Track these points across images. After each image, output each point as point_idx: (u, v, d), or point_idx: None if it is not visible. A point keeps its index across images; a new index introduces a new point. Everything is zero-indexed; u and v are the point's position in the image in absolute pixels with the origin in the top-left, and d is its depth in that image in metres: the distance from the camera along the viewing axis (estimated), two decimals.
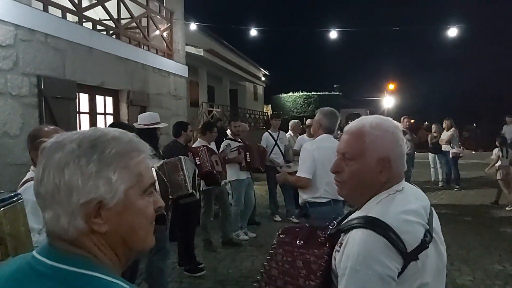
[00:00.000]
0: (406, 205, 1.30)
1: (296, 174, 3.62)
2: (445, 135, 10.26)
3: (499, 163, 8.20)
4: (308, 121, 7.75)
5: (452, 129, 10.22)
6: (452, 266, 4.97)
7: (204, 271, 4.96)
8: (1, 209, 1.56)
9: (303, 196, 3.57)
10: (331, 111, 3.67)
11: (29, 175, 2.26)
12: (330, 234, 1.41)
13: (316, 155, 3.47)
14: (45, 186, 0.79)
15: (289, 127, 8.11)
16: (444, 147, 10.30)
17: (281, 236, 1.61)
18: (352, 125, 1.45)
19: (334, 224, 1.45)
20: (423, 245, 1.23)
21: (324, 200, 3.46)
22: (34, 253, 0.83)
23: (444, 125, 10.41)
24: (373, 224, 1.22)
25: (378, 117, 1.44)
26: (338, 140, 1.57)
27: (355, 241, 1.23)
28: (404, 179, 1.42)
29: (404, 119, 9.87)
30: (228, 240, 5.97)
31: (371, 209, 1.30)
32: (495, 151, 8.40)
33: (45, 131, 2.28)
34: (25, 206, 2.09)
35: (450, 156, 10.16)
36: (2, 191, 1.67)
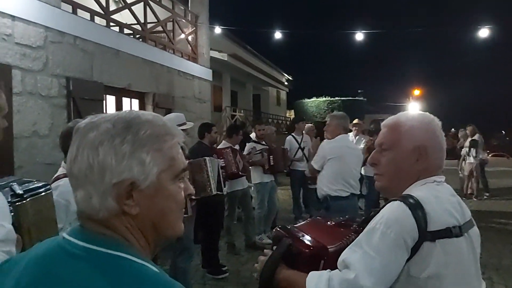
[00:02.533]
0: (443, 195, 1.31)
1: (311, 162, 4.32)
2: (467, 142, 10.02)
3: None
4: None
5: (477, 135, 9.95)
6: (483, 275, 4.79)
7: (227, 273, 4.93)
8: (28, 199, 1.57)
9: (324, 189, 3.97)
10: (345, 114, 4.27)
11: (60, 170, 2.27)
12: (364, 220, 1.40)
13: (328, 153, 4.00)
14: (79, 165, 0.77)
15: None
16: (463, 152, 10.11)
17: (309, 219, 1.71)
18: (389, 118, 1.48)
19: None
20: (446, 233, 1.22)
21: (344, 194, 3.92)
22: (64, 234, 0.81)
23: (468, 131, 10.14)
24: (404, 197, 1.26)
25: (414, 111, 1.48)
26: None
27: (384, 209, 1.28)
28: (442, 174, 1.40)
29: None
30: (251, 243, 5.92)
31: (408, 191, 1.32)
32: None
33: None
34: None
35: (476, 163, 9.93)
36: (34, 180, 1.68)
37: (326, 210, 3.95)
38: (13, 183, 1.59)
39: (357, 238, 1.28)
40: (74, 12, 5.94)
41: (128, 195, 0.78)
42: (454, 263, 1.23)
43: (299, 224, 1.64)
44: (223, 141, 5.80)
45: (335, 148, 4.02)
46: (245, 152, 6.03)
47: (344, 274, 1.22)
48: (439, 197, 1.28)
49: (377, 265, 1.18)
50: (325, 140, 4.22)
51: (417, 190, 1.29)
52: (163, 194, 0.82)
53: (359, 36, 12.63)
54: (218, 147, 5.56)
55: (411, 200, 1.24)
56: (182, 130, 4.46)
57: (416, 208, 1.22)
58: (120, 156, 0.77)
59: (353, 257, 1.22)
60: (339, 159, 3.95)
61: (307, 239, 1.46)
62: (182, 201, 0.87)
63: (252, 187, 6.35)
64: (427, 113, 1.44)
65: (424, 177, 1.35)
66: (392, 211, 1.24)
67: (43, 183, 1.72)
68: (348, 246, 1.29)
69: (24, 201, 1.57)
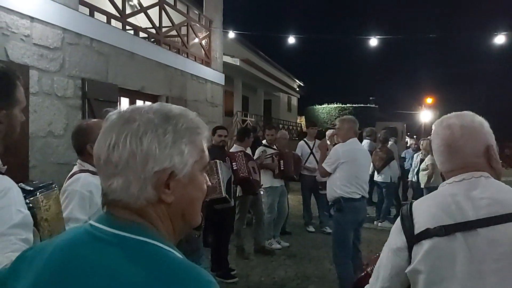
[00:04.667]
0: (440, 197, 1.39)
1: (322, 164, 4.29)
2: None
3: None
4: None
5: None
6: None
7: (237, 278, 4.92)
8: (39, 195, 1.59)
9: (337, 191, 4.06)
10: (354, 118, 4.37)
11: (76, 168, 2.29)
12: None
13: (341, 156, 4.08)
14: (120, 153, 0.79)
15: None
16: None
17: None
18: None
19: None
20: (425, 234, 1.31)
21: (357, 196, 4.06)
22: (92, 222, 0.83)
23: None
24: (403, 207, 1.44)
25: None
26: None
27: None
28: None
29: None
30: (261, 248, 5.91)
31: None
32: None
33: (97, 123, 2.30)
34: (72, 196, 2.13)
35: None
36: (34, 181, 1.70)
37: (339, 211, 4.06)
38: (20, 183, 1.60)
39: None
40: (91, 14, 6.04)
41: (166, 183, 0.81)
42: (431, 260, 1.29)
43: None
44: (234, 145, 5.81)
45: (349, 151, 4.12)
46: (255, 156, 6.02)
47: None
48: (434, 201, 1.39)
49: (381, 272, 1.44)
50: (338, 144, 4.26)
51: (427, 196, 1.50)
52: (194, 183, 0.86)
53: (372, 42, 12.56)
54: (230, 151, 5.57)
55: (404, 211, 1.42)
56: None
57: (407, 217, 1.39)
58: (163, 145, 0.80)
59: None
60: (353, 162, 4.07)
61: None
62: (205, 191, 0.91)
63: (262, 192, 6.34)
64: (452, 113, 1.46)
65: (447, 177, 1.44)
66: (396, 221, 1.45)
67: (47, 182, 1.73)
68: None
69: (36, 196, 1.58)
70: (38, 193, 1.60)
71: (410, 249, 1.34)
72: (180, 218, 0.87)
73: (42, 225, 1.58)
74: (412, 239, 1.33)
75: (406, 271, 1.35)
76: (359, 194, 4.09)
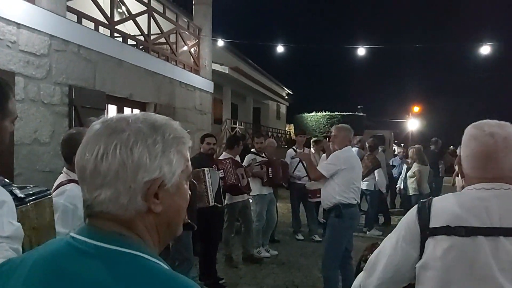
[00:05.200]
0: (466, 200, 1.38)
1: (318, 168, 4.34)
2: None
3: None
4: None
5: None
6: None
7: (225, 287, 4.88)
8: (29, 204, 1.56)
9: (336, 197, 4.11)
10: (349, 127, 4.43)
11: (62, 177, 2.26)
12: None
13: (342, 163, 4.13)
14: (109, 163, 0.77)
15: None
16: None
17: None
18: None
19: None
20: (444, 230, 1.31)
21: (354, 202, 4.17)
22: (72, 234, 0.81)
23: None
24: (423, 200, 1.44)
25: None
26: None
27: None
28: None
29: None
30: (249, 256, 5.87)
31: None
32: None
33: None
34: (55, 209, 2.10)
35: None
36: (30, 185, 1.67)
37: (338, 217, 4.09)
38: (13, 187, 1.58)
39: None
40: (79, 21, 6.00)
41: (155, 193, 0.81)
42: (449, 259, 1.28)
43: None
44: (224, 153, 5.79)
45: (349, 158, 4.22)
46: (244, 163, 6.01)
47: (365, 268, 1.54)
48: (458, 201, 1.38)
49: (383, 258, 1.44)
50: (338, 151, 4.28)
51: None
52: (180, 193, 0.86)
53: (360, 51, 12.69)
54: (219, 158, 5.55)
55: (422, 204, 1.42)
56: None
57: (424, 209, 1.39)
58: (153, 155, 0.79)
59: (373, 254, 1.51)
60: (352, 169, 4.17)
61: None
62: (188, 200, 0.91)
63: (251, 200, 6.32)
64: (492, 121, 1.45)
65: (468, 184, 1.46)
66: (408, 212, 1.46)
67: (42, 188, 1.70)
68: None
69: (26, 205, 1.56)
70: (29, 202, 1.58)
71: (422, 241, 1.34)
72: (167, 227, 0.86)
73: (30, 235, 1.55)
74: (427, 231, 1.34)
75: (417, 265, 1.34)
76: (356, 200, 4.21)
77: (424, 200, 1.44)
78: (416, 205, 1.43)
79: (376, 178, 7.67)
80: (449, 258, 1.29)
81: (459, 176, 9.40)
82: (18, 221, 1.43)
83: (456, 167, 9.53)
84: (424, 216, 1.37)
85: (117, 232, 0.79)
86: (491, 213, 1.32)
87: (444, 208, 1.37)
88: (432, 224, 1.34)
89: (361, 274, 1.56)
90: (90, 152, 0.79)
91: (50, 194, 1.72)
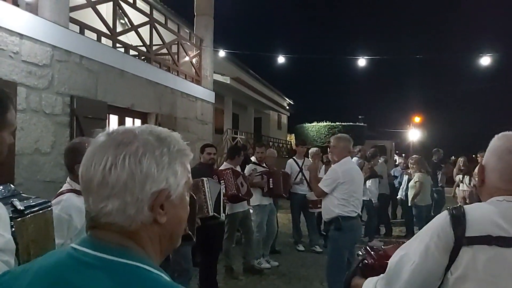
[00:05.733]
0: (499, 209, 1.33)
1: (319, 185, 4.22)
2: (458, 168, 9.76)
3: None
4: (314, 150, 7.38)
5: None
6: None
7: None
8: (29, 216, 1.56)
9: (335, 210, 4.06)
10: (349, 137, 4.36)
11: (64, 186, 2.25)
12: None
13: (341, 177, 4.06)
14: (118, 174, 0.78)
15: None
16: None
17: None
18: None
19: None
20: (484, 239, 1.26)
21: (354, 215, 4.09)
22: (74, 245, 0.81)
23: (460, 163, 9.86)
24: (453, 207, 1.37)
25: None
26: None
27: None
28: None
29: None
30: (250, 267, 5.84)
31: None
32: None
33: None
34: None
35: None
36: (33, 196, 1.67)
37: (337, 230, 4.05)
38: (14, 199, 1.58)
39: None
40: (81, 32, 6.04)
41: (161, 204, 0.82)
42: (488, 270, 1.24)
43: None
44: (224, 163, 5.79)
45: (348, 171, 4.12)
46: (245, 173, 6.00)
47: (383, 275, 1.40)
48: (494, 210, 1.32)
49: (409, 266, 1.33)
50: (336, 164, 4.21)
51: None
52: (183, 204, 0.88)
53: (361, 62, 12.75)
54: (219, 169, 5.55)
55: (455, 211, 1.34)
56: None
57: (459, 214, 1.32)
58: (160, 166, 0.81)
59: (392, 260, 1.38)
60: (351, 182, 4.08)
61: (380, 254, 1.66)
62: (188, 211, 0.93)
63: (251, 210, 6.30)
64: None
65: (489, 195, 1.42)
66: (434, 220, 1.39)
67: (44, 200, 1.70)
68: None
69: (25, 217, 1.56)
70: (28, 214, 1.57)
71: (455, 249, 1.27)
72: (169, 238, 0.87)
73: (28, 247, 1.55)
74: (462, 239, 1.27)
75: (451, 276, 1.27)
76: (356, 212, 4.12)
77: (453, 207, 1.38)
78: (446, 212, 1.36)
79: (367, 186, 7.63)
80: (493, 269, 1.24)
81: (459, 187, 9.31)
82: (15, 233, 1.42)
83: (457, 178, 9.41)
84: (459, 224, 1.30)
85: (120, 244, 0.79)
86: None
87: (480, 216, 1.32)
88: (469, 233, 1.27)
89: (373, 281, 1.47)
90: (97, 163, 0.79)
91: (50, 206, 1.71)
